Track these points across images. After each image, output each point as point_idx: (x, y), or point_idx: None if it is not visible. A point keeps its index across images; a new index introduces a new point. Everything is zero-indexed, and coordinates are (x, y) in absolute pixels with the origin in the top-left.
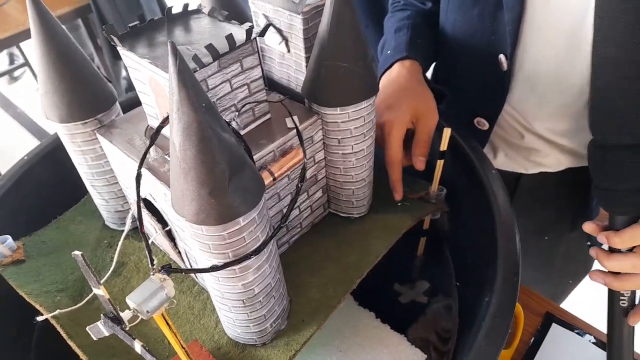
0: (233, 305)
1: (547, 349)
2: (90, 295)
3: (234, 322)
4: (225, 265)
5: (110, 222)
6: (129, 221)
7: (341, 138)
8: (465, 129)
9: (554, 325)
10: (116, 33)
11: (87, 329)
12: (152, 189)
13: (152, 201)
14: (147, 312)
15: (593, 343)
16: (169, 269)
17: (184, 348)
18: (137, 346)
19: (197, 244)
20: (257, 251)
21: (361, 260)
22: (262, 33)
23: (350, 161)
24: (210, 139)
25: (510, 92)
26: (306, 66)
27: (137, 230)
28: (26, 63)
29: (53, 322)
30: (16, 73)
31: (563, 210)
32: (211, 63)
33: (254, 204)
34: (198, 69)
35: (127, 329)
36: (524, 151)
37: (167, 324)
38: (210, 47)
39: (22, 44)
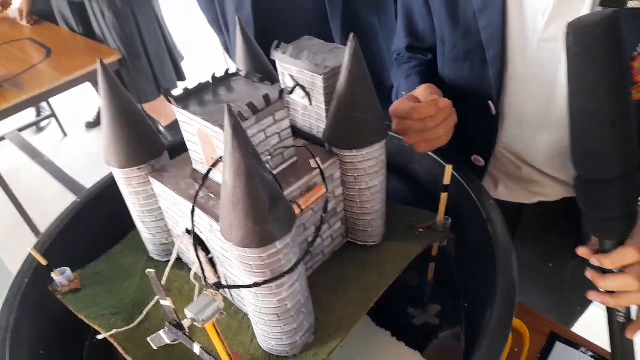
0: (269, 319)
1: None
2: (142, 316)
3: (268, 335)
4: (265, 282)
5: (155, 254)
6: (175, 252)
7: (357, 176)
8: (463, 165)
9: (557, 343)
10: (172, 94)
11: (148, 339)
12: (198, 222)
13: (198, 233)
14: (203, 320)
15: (592, 357)
16: (219, 285)
17: (229, 355)
18: (197, 347)
19: (241, 265)
20: (290, 270)
21: (377, 282)
22: (291, 92)
23: (365, 195)
24: (255, 178)
25: (502, 132)
26: (326, 116)
27: (180, 262)
28: (52, 114)
29: (111, 340)
30: (42, 124)
31: (564, 238)
32: (251, 117)
33: (288, 230)
34: (241, 122)
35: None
36: (523, 182)
37: (217, 332)
38: (250, 105)
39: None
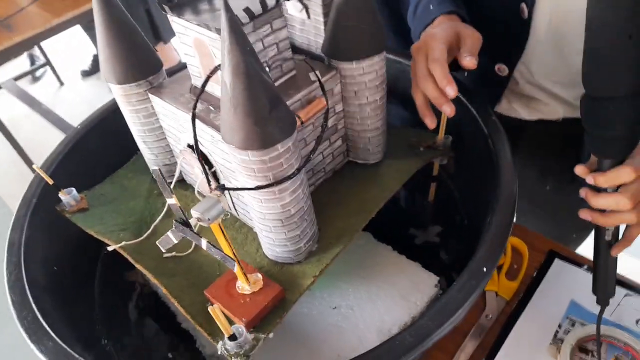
0: (274, 225)
1: (549, 279)
2: (149, 230)
3: (273, 241)
4: (267, 186)
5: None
6: (178, 169)
7: (357, 90)
8: (485, 76)
9: (556, 260)
10: (167, 3)
11: (157, 242)
12: (200, 134)
13: (200, 147)
14: (208, 219)
15: (585, 270)
16: (223, 187)
17: (234, 253)
18: (204, 242)
19: (243, 170)
20: (292, 176)
21: (378, 195)
22: None
23: (365, 111)
24: (254, 77)
25: (528, 40)
26: (324, 30)
27: (183, 183)
28: (47, 63)
29: (121, 251)
30: (38, 73)
31: (563, 160)
32: (248, 23)
33: (289, 133)
34: None
35: (194, 230)
36: (525, 99)
37: (222, 232)
38: (247, 10)
39: (43, 44)
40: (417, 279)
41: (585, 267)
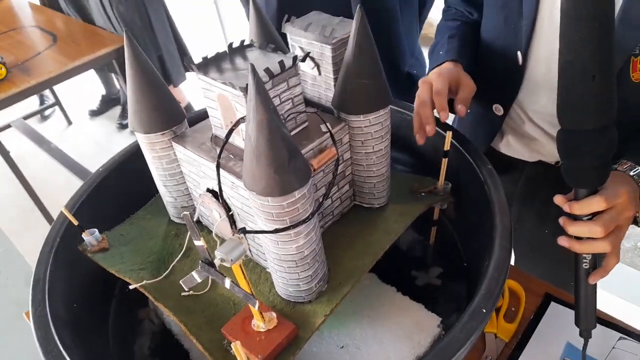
0: (288, 266)
1: (546, 322)
2: (168, 270)
3: (287, 282)
4: (285, 229)
5: (176, 217)
6: (197, 213)
7: (364, 140)
8: (483, 114)
9: (552, 303)
10: (194, 62)
11: (180, 281)
12: (221, 180)
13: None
14: (231, 260)
15: None
16: (244, 230)
17: (252, 291)
18: (227, 282)
19: (262, 214)
20: (307, 219)
21: (383, 238)
22: (304, 59)
23: (371, 159)
24: (276, 132)
25: (522, 83)
26: (334, 85)
27: (199, 225)
28: (56, 102)
29: (142, 290)
30: (47, 112)
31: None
32: (268, 81)
33: (305, 181)
34: None
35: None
36: (526, 139)
37: (242, 272)
38: (267, 70)
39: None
40: (421, 319)
41: None
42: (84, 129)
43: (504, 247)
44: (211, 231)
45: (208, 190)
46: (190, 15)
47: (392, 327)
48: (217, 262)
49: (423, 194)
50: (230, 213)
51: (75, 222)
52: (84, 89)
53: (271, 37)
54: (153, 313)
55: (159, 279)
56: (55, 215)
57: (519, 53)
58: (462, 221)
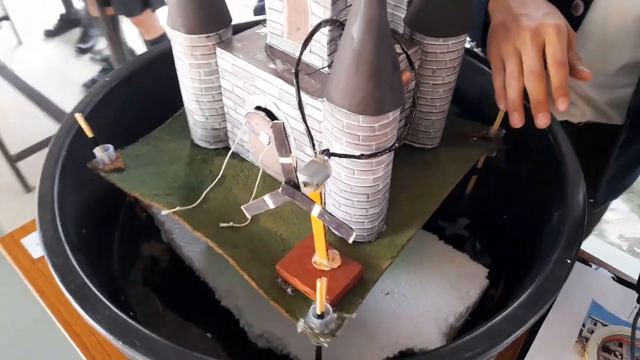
0: (358, 199)
1: (570, 280)
2: (201, 197)
3: (351, 217)
4: (371, 155)
5: (203, 140)
6: (240, 135)
7: (436, 68)
8: None
9: (576, 263)
10: None
11: (243, 207)
12: (279, 97)
13: (276, 110)
14: (317, 184)
15: (612, 278)
16: (329, 152)
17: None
18: (317, 208)
19: (345, 136)
20: (392, 147)
21: (441, 181)
22: None
23: (437, 92)
24: (386, 36)
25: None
26: (407, 1)
27: (227, 150)
28: (5, 17)
29: (175, 217)
30: None
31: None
32: None
33: (401, 101)
34: None
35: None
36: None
37: (321, 199)
38: None
39: None
40: (467, 269)
41: (598, 268)
42: (37, 50)
43: (577, 201)
44: (244, 160)
45: (259, 108)
46: None
47: (438, 276)
48: (301, 185)
49: (475, 138)
50: (309, 132)
51: (91, 134)
52: (40, 5)
53: None
54: (158, 249)
55: (193, 205)
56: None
57: (579, 1)
58: (512, 173)
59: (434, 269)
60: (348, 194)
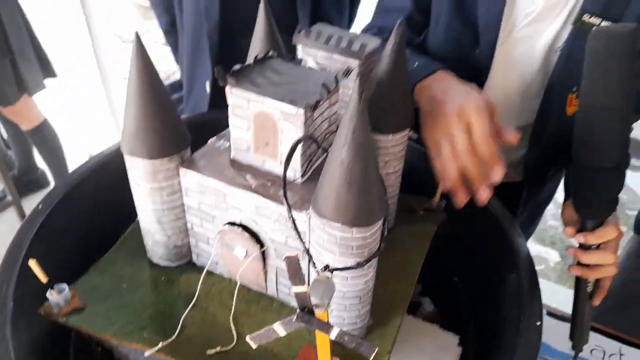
0: (350, 303)
1: None
2: (179, 327)
3: (343, 321)
4: (365, 262)
5: (164, 258)
6: (214, 252)
7: (387, 160)
8: None
9: None
10: (227, 75)
11: (248, 338)
12: (255, 212)
13: (253, 225)
14: (327, 303)
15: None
16: (330, 268)
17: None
18: (335, 331)
19: (339, 247)
20: (378, 250)
21: (406, 260)
22: (347, 74)
23: (390, 179)
24: (372, 158)
25: None
26: None
27: (191, 265)
28: None
29: (160, 355)
30: None
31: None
32: (325, 99)
33: (386, 209)
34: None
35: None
36: None
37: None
38: (324, 85)
39: None
40: (440, 341)
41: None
42: None
43: (527, 263)
44: (212, 273)
45: (232, 224)
46: (49, 13)
47: (415, 353)
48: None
49: (421, 212)
50: (263, 249)
51: (44, 279)
52: None
53: (276, 45)
54: None
55: (174, 337)
56: None
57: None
58: (456, 238)
59: (410, 345)
60: (341, 299)
